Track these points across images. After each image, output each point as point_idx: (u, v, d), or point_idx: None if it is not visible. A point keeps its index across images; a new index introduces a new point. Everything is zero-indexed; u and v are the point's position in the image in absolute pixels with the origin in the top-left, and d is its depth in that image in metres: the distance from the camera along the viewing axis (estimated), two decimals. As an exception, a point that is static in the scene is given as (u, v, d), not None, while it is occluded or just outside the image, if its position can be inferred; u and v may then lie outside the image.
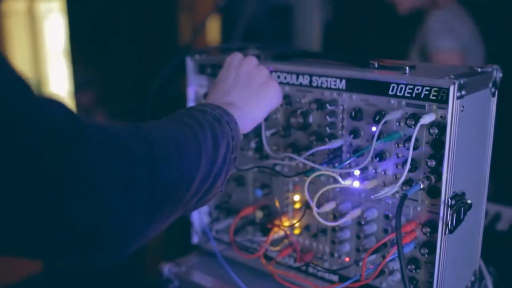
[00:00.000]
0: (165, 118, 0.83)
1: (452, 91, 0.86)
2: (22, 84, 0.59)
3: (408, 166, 0.88)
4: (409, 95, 0.92)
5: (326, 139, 1.02)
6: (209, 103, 0.91)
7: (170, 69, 1.26)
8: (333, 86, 1.01)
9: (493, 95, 1.00)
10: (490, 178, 1.06)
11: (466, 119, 0.90)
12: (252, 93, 0.97)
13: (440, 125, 0.89)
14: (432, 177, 0.91)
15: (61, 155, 0.57)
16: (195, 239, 1.29)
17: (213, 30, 4.33)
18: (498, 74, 1.00)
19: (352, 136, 0.98)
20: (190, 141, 0.78)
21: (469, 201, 0.94)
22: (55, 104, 0.60)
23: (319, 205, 1.05)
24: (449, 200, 0.89)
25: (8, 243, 0.60)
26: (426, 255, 0.95)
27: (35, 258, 0.75)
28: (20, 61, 6.75)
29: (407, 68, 0.96)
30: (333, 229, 1.07)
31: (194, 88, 1.23)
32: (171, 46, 4.74)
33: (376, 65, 1.00)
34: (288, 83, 1.07)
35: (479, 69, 0.99)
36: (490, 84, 0.99)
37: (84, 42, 5.70)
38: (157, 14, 4.91)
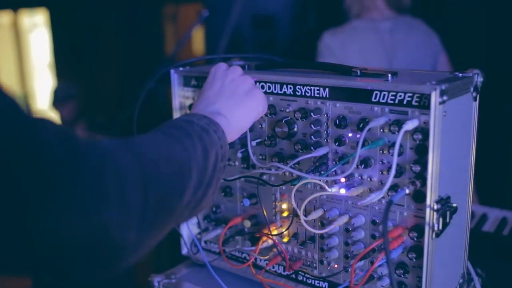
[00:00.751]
0: (153, 131, 0.84)
1: (434, 97, 0.87)
2: (12, 104, 0.59)
3: (393, 172, 0.89)
4: (392, 101, 0.93)
5: (312, 148, 1.03)
6: (195, 113, 0.91)
7: (156, 81, 1.27)
8: (316, 95, 1.02)
9: (475, 99, 1.02)
10: (475, 181, 1.07)
11: (449, 124, 0.91)
12: (237, 102, 0.98)
13: (424, 131, 0.90)
14: (417, 182, 0.92)
15: (55, 175, 0.57)
16: (184, 251, 1.29)
17: (198, 40, 4.34)
18: (479, 79, 1.01)
19: (337, 144, 0.99)
20: (180, 153, 0.79)
21: (454, 205, 0.95)
22: (46, 124, 0.61)
23: (306, 213, 1.05)
24: (435, 204, 0.90)
25: (2, 262, 0.60)
26: (414, 260, 0.96)
27: (29, 275, 0.75)
28: (6, 75, 6.71)
29: (389, 75, 0.97)
30: (321, 236, 1.08)
31: (179, 100, 1.23)
32: (156, 57, 4.74)
33: (359, 73, 1.01)
34: (272, 93, 1.08)
35: (460, 74, 1.00)
36: (472, 89, 1.00)
37: (69, 56, 5.70)
38: (142, 26, 4.92)
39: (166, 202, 0.73)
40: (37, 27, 6.33)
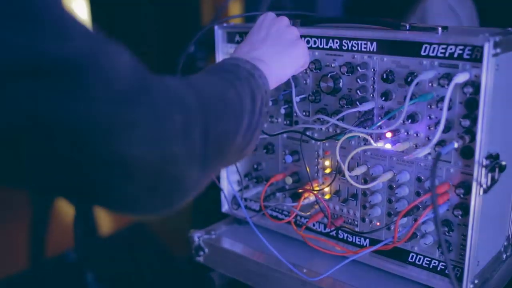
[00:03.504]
0: (205, 72, 0.85)
1: (487, 48, 0.84)
2: (87, 32, 0.60)
3: (442, 126, 0.87)
4: (442, 55, 0.91)
5: (357, 103, 1.01)
6: (239, 57, 0.92)
7: (195, 45, 1.26)
8: (363, 49, 1.00)
9: (528, 55, 0.99)
10: None
11: (501, 78, 0.89)
12: (280, 51, 0.98)
13: (475, 84, 0.87)
14: (466, 137, 0.90)
15: (128, 101, 0.58)
16: (224, 208, 1.30)
17: (235, 12, 4.32)
18: (532, 35, 0.98)
19: (383, 98, 0.97)
20: (233, 96, 0.80)
21: (503, 163, 0.93)
22: (123, 51, 0.61)
23: (350, 169, 1.05)
24: (484, 160, 0.88)
25: (72, 189, 0.60)
26: (460, 217, 0.94)
27: (95, 204, 0.76)
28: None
29: (440, 28, 0.95)
30: (364, 193, 1.07)
31: (223, 56, 1.23)
32: (193, 29, 4.74)
33: (408, 27, 0.99)
34: (318, 47, 1.07)
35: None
36: (524, 45, 0.97)
37: (107, 28, 5.74)
38: (179, -1, 4.91)
39: (222, 143, 0.74)
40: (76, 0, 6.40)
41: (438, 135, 0.87)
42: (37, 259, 2.42)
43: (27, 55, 0.52)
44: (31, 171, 0.57)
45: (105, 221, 2.86)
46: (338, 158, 1.00)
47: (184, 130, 0.64)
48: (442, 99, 0.91)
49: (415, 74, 0.94)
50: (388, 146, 0.97)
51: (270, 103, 1.12)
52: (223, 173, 1.26)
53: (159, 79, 0.65)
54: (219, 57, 1.23)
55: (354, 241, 1.10)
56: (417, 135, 0.97)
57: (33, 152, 0.55)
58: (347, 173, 0.99)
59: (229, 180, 1.25)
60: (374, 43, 0.99)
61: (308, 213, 1.13)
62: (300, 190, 1.12)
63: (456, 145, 0.88)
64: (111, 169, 0.58)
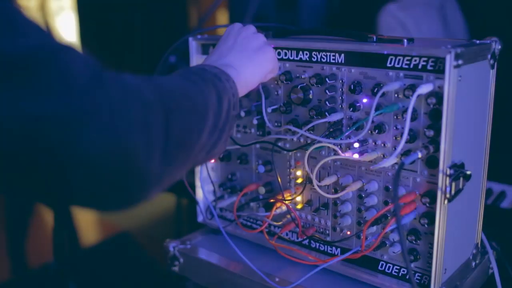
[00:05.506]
0: (169, 75, 0.86)
1: (449, 60, 0.86)
2: (43, 31, 0.61)
3: (405, 136, 0.88)
4: (407, 66, 0.93)
5: (326, 113, 1.03)
6: (206, 64, 0.94)
7: (174, 49, 1.27)
8: (332, 61, 1.02)
9: (492, 67, 1.01)
10: (494, 157, 1.06)
11: (464, 89, 0.91)
12: (247, 56, 1.00)
13: (438, 95, 0.89)
14: (431, 147, 0.91)
15: (83, 99, 0.58)
16: (200, 218, 1.31)
17: (223, 21, 4.33)
18: (497, 46, 1.00)
19: (351, 109, 0.99)
20: (197, 94, 0.81)
21: (468, 172, 0.94)
22: (75, 51, 0.62)
23: (320, 179, 1.06)
24: (448, 169, 0.90)
25: (27, 186, 0.61)
26: (426, 225, 0.96)
27: (53, 201, 0.76)
28: (32, 59, 6.76)
29: (405, 40, 0.97)
30: (335, 203, 1.08)
31: (197, 68, 1.24)
32: (180, 37, 4.74)
33: (375, 39, 1.01)
34: (288, 59, 1.08)
35: (478, 42, 0.99)
36: (489, 56, 0.99)
37: (95, 39, 5.74)
38: (168, 9, 4.93)
39: (185, 139, 0.75)
40: (63, 10, 6.39)
41: (401, 145, 0.89)
42: (18, 269, 2.41)
43: None
44: None
45: (87, 231, 2.85)
46: (307, 168, 1.02)
47: (143, 122, 0.64)
48: (407, 110, 0.93)
49: (382, 85, 0.95)
50: (355, 156, 0.99)
51: (243, 114, 1.14)
52: (198, 183, 1.27)
53: (116, 74, 0.65)
54: (194, 68, 1.24)
55: (326, 250, 1.12)
56: (384, 145, 0.98)
57: None
58: (315, 183, 1.00)
59: (203, 190, 1.26)
60: (342, 55, 1.01)
61: (281, 223, 1.14)
62: (271, 200, 1.13)
63: (419, 155, 0.90)
64: (70, 165, 0.59)
